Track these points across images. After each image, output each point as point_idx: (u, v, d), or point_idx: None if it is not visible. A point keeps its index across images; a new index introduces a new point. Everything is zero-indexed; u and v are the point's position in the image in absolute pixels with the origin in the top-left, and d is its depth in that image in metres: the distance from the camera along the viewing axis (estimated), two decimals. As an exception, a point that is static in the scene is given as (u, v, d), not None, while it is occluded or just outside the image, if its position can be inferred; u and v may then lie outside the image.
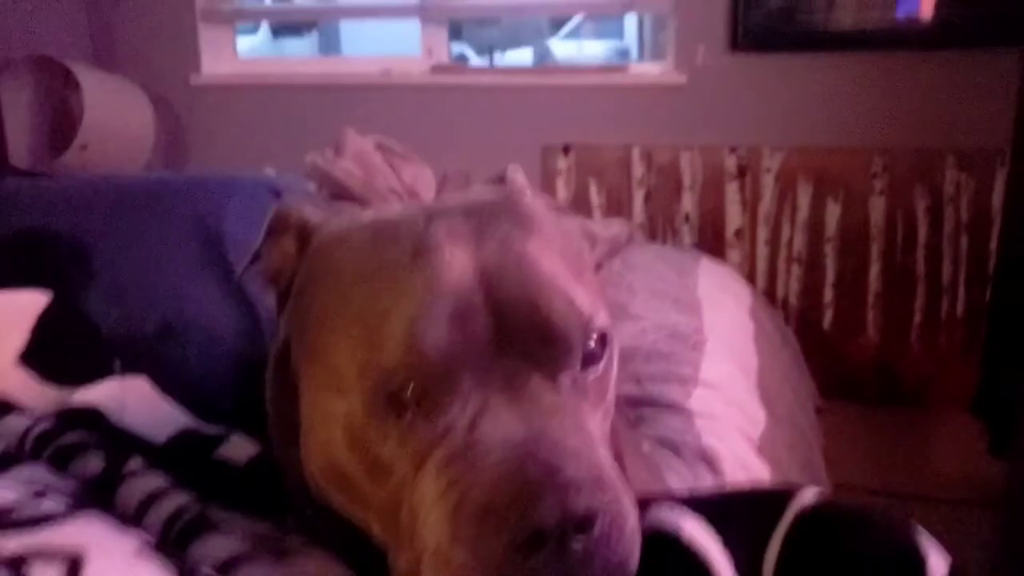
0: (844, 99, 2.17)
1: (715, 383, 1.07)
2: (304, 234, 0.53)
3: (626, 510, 0.41)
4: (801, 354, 1.65)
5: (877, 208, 2.28)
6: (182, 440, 0.70)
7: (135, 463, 0.53)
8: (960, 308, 2.29)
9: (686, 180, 2.36)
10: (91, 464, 0.52)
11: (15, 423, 0.56)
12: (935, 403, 2.28)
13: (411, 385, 0.43)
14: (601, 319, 0.47)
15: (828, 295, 2.35)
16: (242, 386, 0.90)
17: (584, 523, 0.38)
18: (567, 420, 0.43)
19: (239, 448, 0.70)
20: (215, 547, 0.46)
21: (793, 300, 2.36)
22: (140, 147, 2.27)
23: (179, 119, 2.54)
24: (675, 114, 2.30)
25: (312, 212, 0.55)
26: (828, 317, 2.35)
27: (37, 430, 0.55)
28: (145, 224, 0.93)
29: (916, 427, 2.16)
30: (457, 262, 0.45)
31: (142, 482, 0.51)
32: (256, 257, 0.56)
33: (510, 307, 0.44)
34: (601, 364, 0.47)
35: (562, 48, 5.57)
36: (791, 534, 0.47)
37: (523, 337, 0.44)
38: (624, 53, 5.41)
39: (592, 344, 0.46)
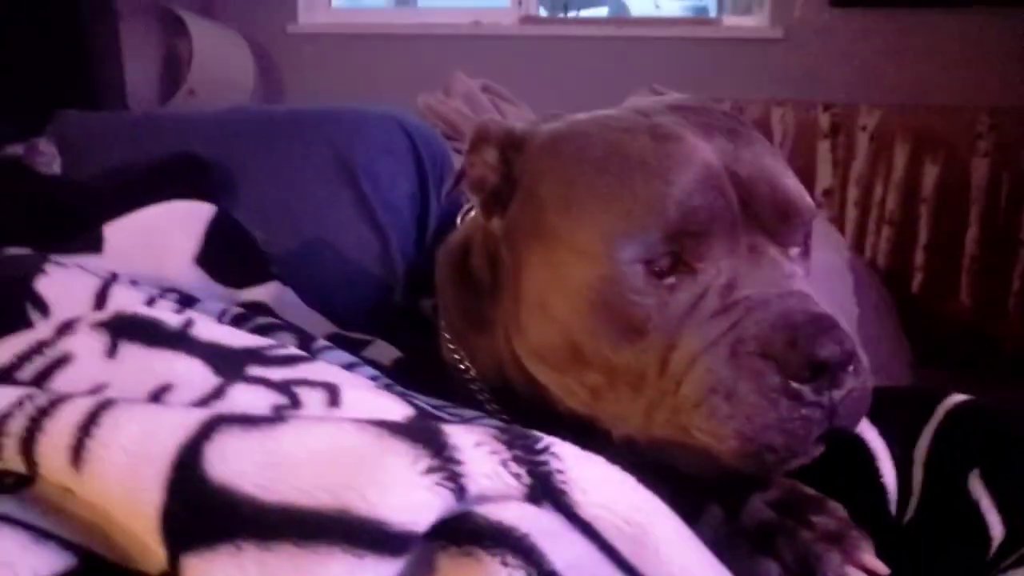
0: (949, 56, 2.08)
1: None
2: (513, 141, 0.56)
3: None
4: (897, 314, 1.62)
5: (979, 169, 2.18)
6: (334, 340, 0.75)
7: (321, 343, 0.58)
8: (1063, 276, 2.19)
9: (776, 136, 2.31)
10: (285, 338, 0.57)
11: (210, 306, 0.62)
12: (1031, 373, 2.20)
13: (671, 251, 0.47)
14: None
15: (920, 258, 2.28)
16: (375, 301, 0.96)
17: (851, 359, 0.44)
18: (803, 283, 0.49)
19: (383, 352, 0.76)
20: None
21: (882, 261, 2.30)
22: (241, 93, 2.36)
23: (277, 66, 2.62)
24: (768, 69, 2.25)
25: (513, 123, 0.58)
26: (919, 280, 2.29)
27: (232, 312, 0.61)
28: (284, 152, 0.99)
29: (1014, 398, 2.10)
30: (700, 146, 0.49)
31: (336, 355, 0.56)
32: (460, 175, 0.58)
33: (753, 186, 0.49)
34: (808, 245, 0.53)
35: (638, 4, 5.44)
36: (940, 429, 0.49)
37: (763, 212, 0.49)
38: (701, 10, 5.25)
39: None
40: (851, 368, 0.44)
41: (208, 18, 2.45)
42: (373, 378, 0.52)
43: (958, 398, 0.51)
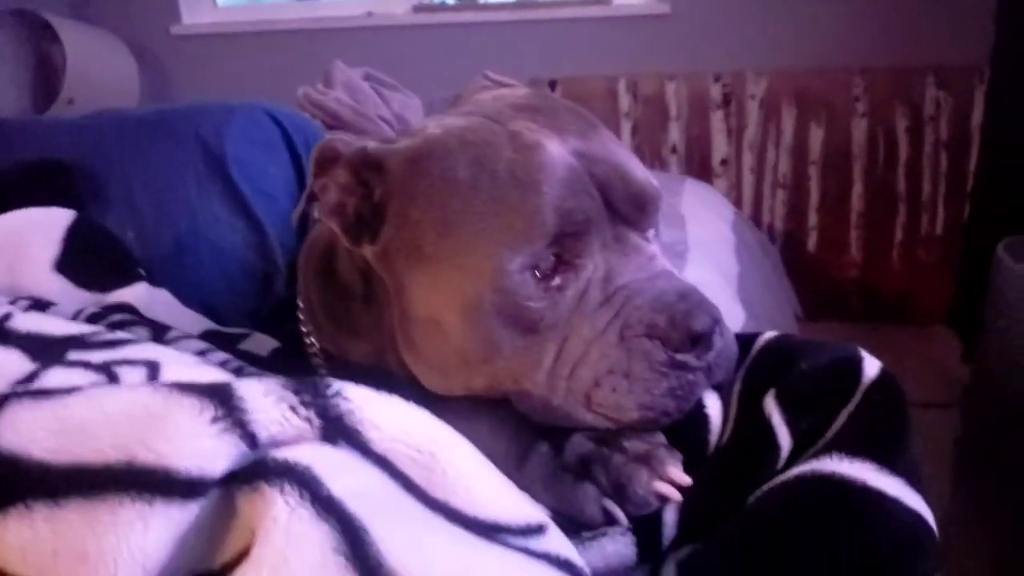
0: (824, 19, 2.19)
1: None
2: (368, 162, 0.55)
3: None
4: (782, 266, 1.71)
5: (859, 129, 2.32)
6: (209, 336, 0.76)
7: (177, 332, 0.59)
8: (939, 225, 2.35)
9: (672, 110, 2.39)
10: (139, 333, 0.58)
11: (65, 309, 0.62)
12: (915, 316, 2.36)
13: (554, 254, 0.51)
14: None
15: (813, 218, 2.41)
16: (255, 294, 0.97)
17: (717, 324, 0.51)
18: (664, 261, 0.55)
19: (261, 343, 0.77)
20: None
21: (779, 224, 2.42)
22: (126, 99, 2.29)
23: (163, 70, 2.55)
24: (659, 44, 2.32)
25: (358, 140, 0.57)
26: (813, 239, 2.42)
27: (87, 312, 0.62)
28: (153, 151, 0.98)
29: (896, 340, 2.24)
30: (560, 153, 0.52)
31: (187, 343, 0.57)
32: (311, 197, 0.57)
33: (609, 182, 0.53)
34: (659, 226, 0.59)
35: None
36: (752, 362, 0.54)
37: (621, 205, 0.54)
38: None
39: None
40: (718, 331, 0.51)
41: (82, 22, 2.36)
42: (224, 361, 0.53)
43: (770, 335, 0.57)
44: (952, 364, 1.94)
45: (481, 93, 0.64)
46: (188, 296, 0.86)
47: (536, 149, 0.52)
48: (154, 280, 0.83)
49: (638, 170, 0.55)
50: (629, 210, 0.54)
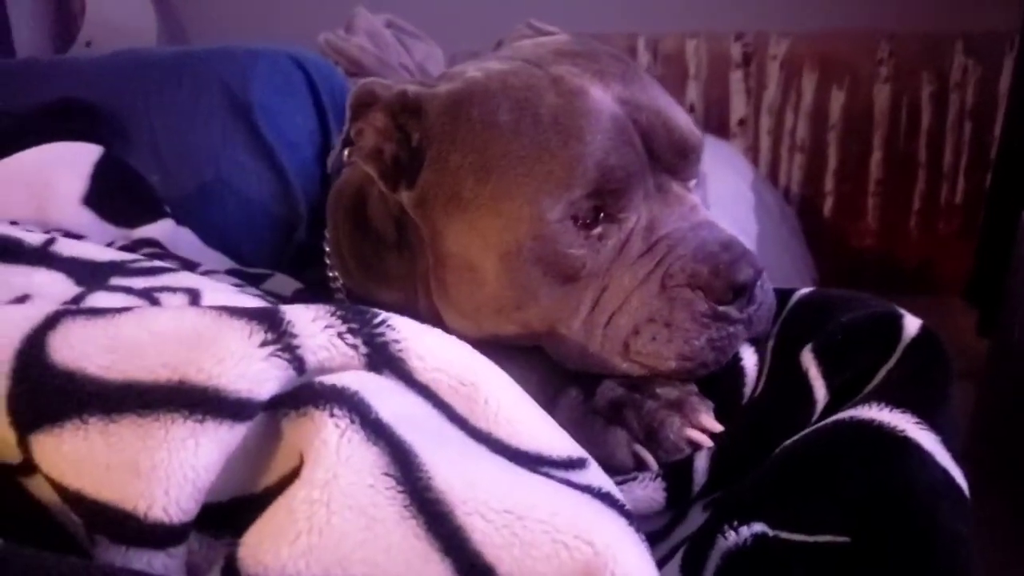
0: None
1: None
2: (406, 106, 0.54)
3: None
4: (800, 231, 1.70)
5: (882, 95, 2.27)
6: (233, 274, 0.76)
7: (206, 268, 0.59)
8: (959, 195, 2.32)
9: (691, 69, 2.35)
10: (172, 266, 0.58)
11: (96, 242, 0.62)
12: (931, 288, 2.35)
13: (594, 206, 0.50)
14: None
15: (829, 183, 2.38)
16: (278, 241, 0.97)
17: (760, 276, 0.51)
18: (705, 212, 0.54)
19: (283, 284, 0.77)
20: None
21: (795, 189, 2.40)
22: (144, 42, 2.26)
23: (180, 13, 2.51)
24: (681, 1, 2.27)
25: (397, 84, 0.56)
26: (829, 205, 2.39)
27: (117, 245, 0.62)
28: (176, 94, 0.97)
29: (911, 310, 2.23)
30: (604, 99, 0.51)
31: (219, 278, 0.57)
32: (346, 142, 0.57)
33: (653, 130, 0.52)
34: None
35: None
36: (787, 316, 0.54)
37: (664, 153, 0.53)
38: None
39: None
40: (760, 283, 0.51)
41: (101, -36, 2.32)
42: (257, 297, 0.53)
43: (806, 290, 0.56)
44: (969, 337, 1.93)
45: (522, 41, 0.63)
46: (210, 241, 0.86)
47: (580, 95, 0.51)
48: (179, 221, 0.83)
49: (681, 116, 0.54)
50: (672, 158, 0.53)
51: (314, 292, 0.73)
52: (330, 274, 0.68)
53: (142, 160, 0.94)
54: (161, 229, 0.74)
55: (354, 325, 0.34)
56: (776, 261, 1.31)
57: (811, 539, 0.39)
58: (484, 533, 0.29)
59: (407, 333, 0.35)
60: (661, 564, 0.40)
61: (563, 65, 0.53)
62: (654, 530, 0.46)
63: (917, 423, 0.42)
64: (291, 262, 0.92)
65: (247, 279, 0.74)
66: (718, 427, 0.47)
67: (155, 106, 0.96)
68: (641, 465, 0.48)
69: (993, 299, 1.88)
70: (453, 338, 0.37)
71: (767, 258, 1.30)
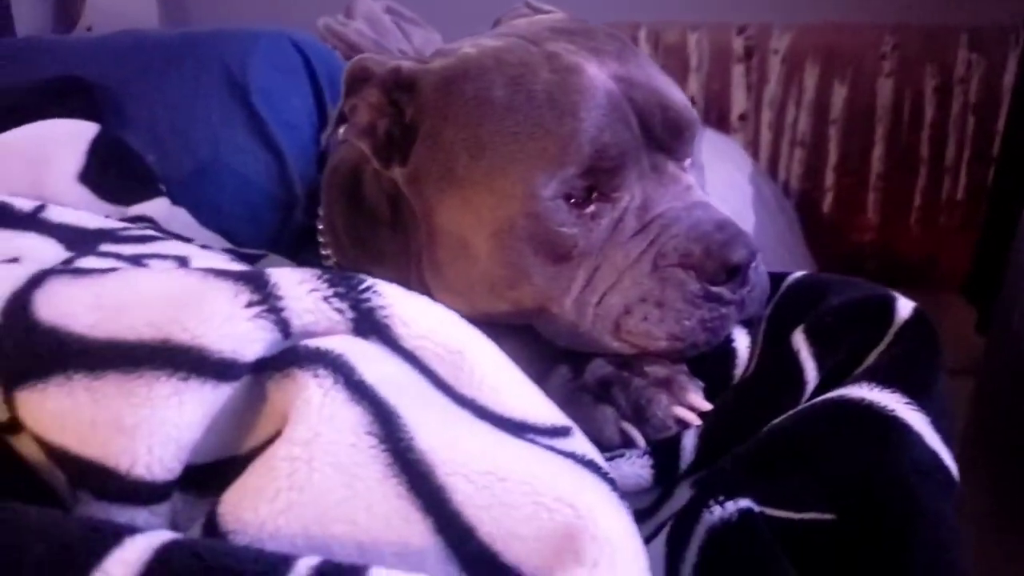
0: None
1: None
2: (400, 81, 0.54)
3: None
4: (798, 223, 1.70)
5: (885, 89, 2.27)
6: (227, 253, 0.76)
7: (199, 244, 0.59)
8: (961, 190, 2.31)
9: (693, 62, 2.35)
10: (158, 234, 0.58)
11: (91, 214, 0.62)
12: (932, 283, 2.34)
13: (588, 185, 0.50)
14: None
15: (830, 178, 2.37)
16: (274, 222, 0.97)
17: (754, 257, 0.50)
18: (700, 192, 0.53)
19: (277, 264, 0.77)
20: None
21: (795, 183, 2.39)
22: (144, 26, 2.26)
23: (182, 1, 2.51)
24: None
25: (391, 60, 0.56)
26: (829, 200, 2.39)
27: (110, 221, 0.62)
28: (175, 74, 0.97)
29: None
30: (599, 76, 0.51)
31: (211, 252, 0.58)
32: (341, 119, 0.56)
33: (648, 108, 0.52)
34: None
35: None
36: (780, 299, 0.54)
37: (659, 132, 0.52)
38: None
39: None
40: (754, 265, 0.50)
41: (103, -51, 2.31)
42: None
43: (800, 273, 0.56)
44: (967, 333, 1.93)
45: (518, 19, 0.63)
46: (207, 222, 0.86)
47: (575, 72, 0.51)
48: (175, 201, 0.83)
49: (676, 95, 0.54)
50: (667, 137, 0.53)
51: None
52: (323, 252, 0.68)
53: (139, 139, 0.94)
54: (156, 207, 0.74)
55: (340, 289, 0.34)
56: (772, 254, 1.31)
57: (797, 516, 0.39)
58: (465, 494, 0.29)
59: (393, 299, 0.35)
60: (647, 541, 0.40)
61: (558, 42, 0.53)
62: (641, 508, 0.46)
63: (907, 403, 0.42)
64: (287, 244, 0.92)
65: (241, 259, 0.74)
66: (706, 405, 0.47)
67: (153, 86, 0.96)
68: (629, 442, 0.48)
69: (991, 296, 1.88)
70: (439, 306, 0.37)
71: (763, 250, 1.30)
